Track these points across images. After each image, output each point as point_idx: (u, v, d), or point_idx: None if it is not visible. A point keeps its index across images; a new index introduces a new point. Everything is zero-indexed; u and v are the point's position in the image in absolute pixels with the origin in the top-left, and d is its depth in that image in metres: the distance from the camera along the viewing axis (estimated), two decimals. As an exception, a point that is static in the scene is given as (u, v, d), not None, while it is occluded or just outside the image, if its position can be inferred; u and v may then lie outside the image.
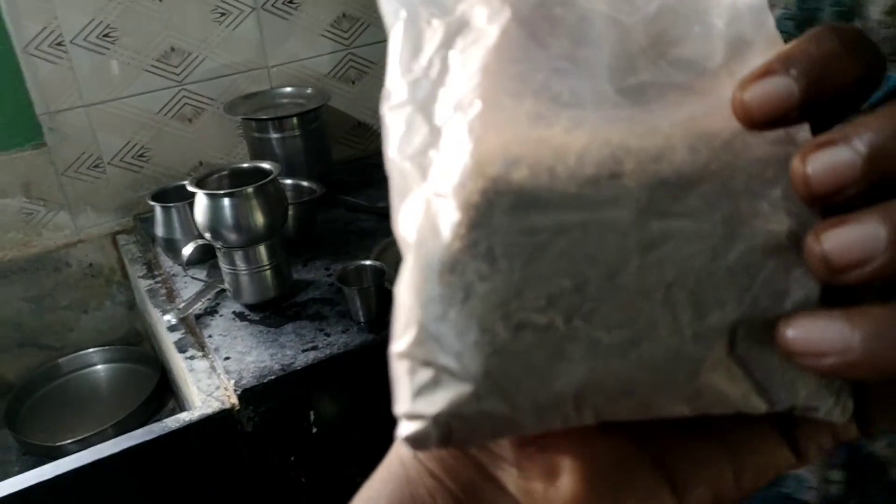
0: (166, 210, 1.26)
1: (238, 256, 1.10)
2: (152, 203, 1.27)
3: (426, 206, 0.20)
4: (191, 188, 1.06)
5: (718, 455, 0.23)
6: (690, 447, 0.23)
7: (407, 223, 0.21)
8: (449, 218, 0.20)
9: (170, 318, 1.14)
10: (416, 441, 0.21)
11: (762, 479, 0.23)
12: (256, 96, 1.50)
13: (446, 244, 0.20)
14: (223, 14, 1.45)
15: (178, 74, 1.45)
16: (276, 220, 1.10)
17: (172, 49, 1.43)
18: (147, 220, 1.40)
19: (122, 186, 1.47)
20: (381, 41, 1.62)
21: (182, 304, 1.14)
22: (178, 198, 1.27)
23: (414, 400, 0.21)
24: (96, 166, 1.43)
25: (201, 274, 1.24)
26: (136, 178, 1.47)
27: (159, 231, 1.28)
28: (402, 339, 0.21)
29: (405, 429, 0.21)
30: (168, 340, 1.13)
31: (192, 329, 1.13)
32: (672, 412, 0.21)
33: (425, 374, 0.20)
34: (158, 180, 1.48)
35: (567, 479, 0.23)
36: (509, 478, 0.24)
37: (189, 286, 1.21)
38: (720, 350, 0.20)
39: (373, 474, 0.27)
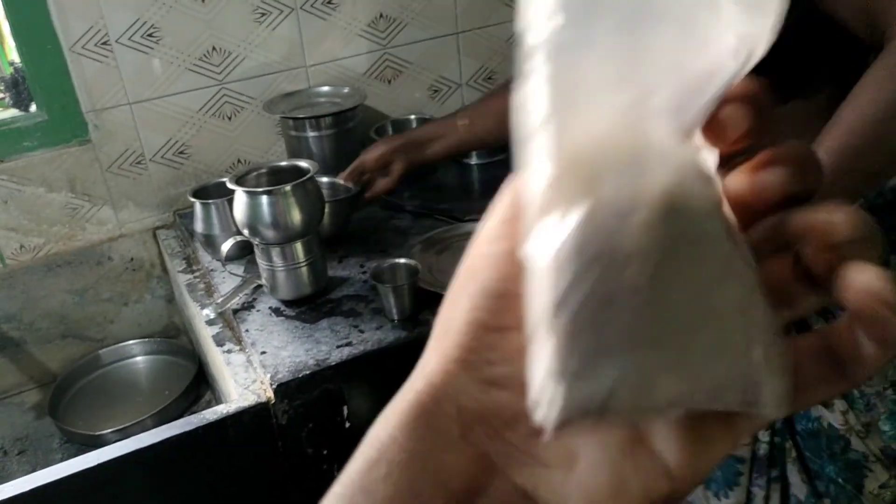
0: (205, 206, 1.28)
1: (275, 253, 1.12)
2: (192, 199, 1.30)
3: None
4: (230, 185, 1.09)
5: (698, 438, 0.25)
6: (678, 431, 0.25)
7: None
8: None
9: (208, 313, 1.17)
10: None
11: (720, 457, 0.25)
12: (294, 95, 1.53)
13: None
14: (263, 14, 1.47)
15: (219, 73, 1.48)
16: (313, 217, 1.11)
17: (214, 48, 1.46)
18: (187, 215, 1.43)
19: (164, 182, 1.50)
20: (418, 41, 1.64)
21: (220, 299, 1.17)
22: (218, 194, 1.29)
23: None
24: (139, 163, 1.47)
25: (239, 269, 1.26)
26: (176, 174, 1.51)
27: (198, 227, 1.30)
28: None
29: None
30: (206, 334, 1.16)
31: (230, 323, 1.15)
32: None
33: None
34: (198, 177, 1.51)
35: (585, 464, 0.24)
36: (521, 469, 0.24)
37: (227, 281, 1.24)
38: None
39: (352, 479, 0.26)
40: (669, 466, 0.24)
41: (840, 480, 0.91)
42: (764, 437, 0.94)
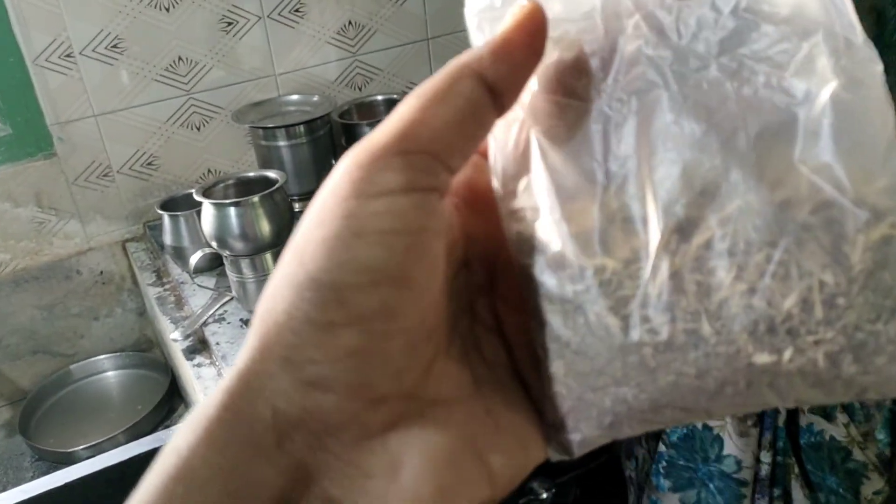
0: (174, 218, 1.27)
1: (245, 264, 1.11)
2: (160, 211, 1.29)
3: None
4: (197, 197, 1.08)
5: (521, 443, 0.25)
6: (499, 438, 0.25)
7: None
8: None
9: (176, 336, 1.15)
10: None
11: (539, 460, 0.26)
12: (264, 104, 1.52)
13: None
14: (230, 23, 1.46)
15: (186, 84, 1.47)
16: (283, 228, 1.11)
17: (180, 58, 1.44)
18: (156, 227, 1.42)
19: (132, 195, 1.48)
20: (388, 48, 1.63)
21: (187, 321, 1.15)
22: (187, 206, 1.28)
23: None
24: (105, 175, 1.45)
25: (209, 282, 1.25)
26: (145, 186, 1.49)
27: (168, 239, 1.29)
28: None
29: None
30: (176, 348, 1.14)
31: (200, 336, 1.14)
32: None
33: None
34: (167, 188, 1.49)
35: (409, 474, 0.22)
36: (340, 479, 0.22)
37: (197, 294, 1.22)
38: None
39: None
40: (493, 472, 0.24)
41: (840, 490, 0.92)
42: (766, 457, 0.94)
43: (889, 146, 0.22)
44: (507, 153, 0.25)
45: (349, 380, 0.22)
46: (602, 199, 0.23)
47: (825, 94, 0.22)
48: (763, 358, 0.22)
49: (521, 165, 0.25)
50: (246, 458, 0.21)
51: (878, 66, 0.22)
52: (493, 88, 0.23)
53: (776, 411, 0.92)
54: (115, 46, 1.38)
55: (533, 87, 0.25)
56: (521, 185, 0.25)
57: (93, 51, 1.37)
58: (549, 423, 0.26)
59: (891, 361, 0.22)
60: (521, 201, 0.25)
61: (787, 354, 0.22)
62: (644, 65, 0.24)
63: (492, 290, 0.27)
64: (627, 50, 0.24)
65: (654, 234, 0.22)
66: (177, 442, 0.22)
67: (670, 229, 0.22)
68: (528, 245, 0.25)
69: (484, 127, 0.24)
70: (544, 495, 1.51)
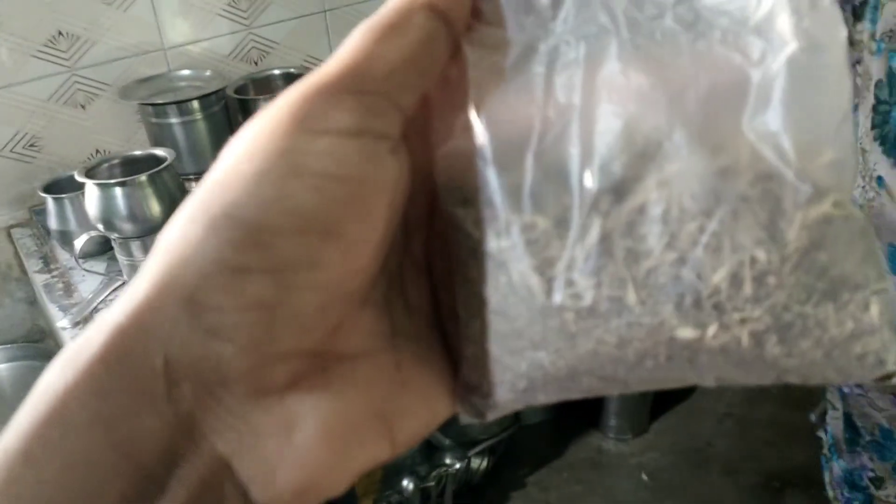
0: (59, 201, 1.21)
1: (135, 247, 1.07)
2: (44, 195, 1.22)
3: None
4: (79, 178, 1.03)
5: (422, 403, 0.24)
6: (405, 397, 0.23)
7: None
8: None
9: (65, 324, 1.10)
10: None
11: (444, 419, 0.25)
12: (153, 80, 1.45)
13: None
14: (112, -5, 1.39)
15: (68, 59, 1.39)
16: (174, 208, 1.07)
17: (60, 33, 1.37)
18: (42, 212, 1.35)
19: (14, 178, 1.40)
20: (283, 20, 1.59)
21: (76, 308, 1.11)
22: (74, 188, 1.22)
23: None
24: (-16, 158, 1.37)
25: (100, 266, 1.20)
26: (28, 168, 1.41)
27: (53, 223, 1.23)
28: None
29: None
30: (66, 336, 1.10)
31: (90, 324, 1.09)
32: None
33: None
34: (53, 171, 1.42)
35: (304, 434, 0.21)
36: (228, 435, 0.20)
37: (87, 280, 1.17)
38: None
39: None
40: (395, 431, 0.23)
41: None
42: None
43: (842, 118, 0.21)
44: (443, 88, 0.24)
45: (252, 332, 0.20)
46: (538, 149, 0.22)
47: (782, 57, 0.21)
48: (686, 332, 0.21)
49: (456, 102, 0.23)
50: (131, 406, 0.19)
51: (842, 31, 0.21)
52: (446, 17, 0.22)
53: None
54: (-14, 21, 1.30)
55: (476, 18, 0.23)
56: (457, 124, 0.23)
57: (-38, 25, 1.28)
58: (463, 383, 0.24)
59: (816, 346, 0.21)
60: (453, 143, 0.23)
61: (712, 330, 0.21)
62: (596, 6, 0.22)
63: (430, 224, 0.25)
64: None
65: (589, 192, 0.21)
66: (51, 379, 0.19)
67: (605, 189, 0.21)
68: (456, 193, 0.23)
69: (439, 61, 0.22)
70: (457, 465, 1.53)
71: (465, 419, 0.25)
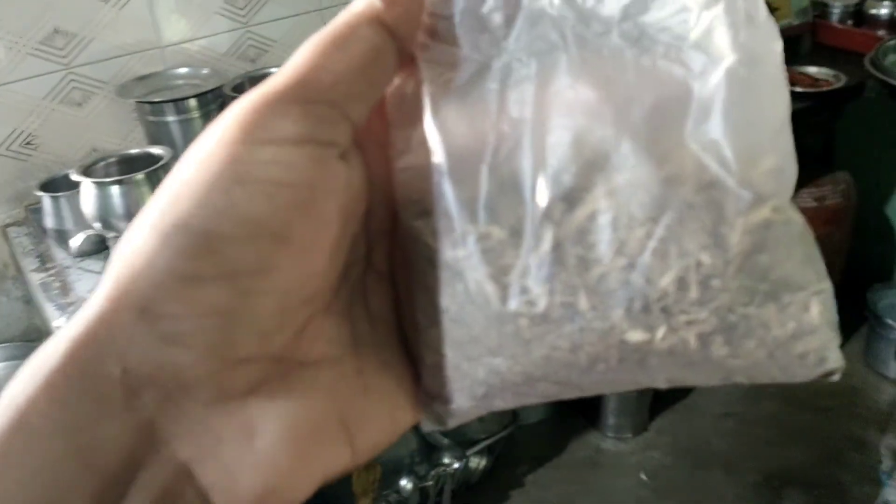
0: (55, 200, 1.21)
1: (132, 246, 1.07)
2: (40, 193, 1.22)
3: None
4: (75, 177, 1.03)
5: (384, 411, 0.24)
6: (367, 404, 0.24)
7: None
8: None
9: (61, 324, 1.09)
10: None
11: (405, 428, 0.25)
12: (150, 78, 1.45)
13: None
14: (109, -7, 1.39)
15: (65, 57, 1.39)
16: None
17: (56, 31, 1.36)
18: (38, 211, 1.34)
19: (11, 176, 1.40)
20: (281, 18, 1.58)
21: (73, 307, 1.10)
22: (70, 187, 1.22)
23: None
24: (-21, 156, 1.36)
25: (97, 265, 1.19)
26: (24, 167, 1.41)
27: (49, 222, 1.23)
28: None
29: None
30: (62, 336, 1.09)
31: (87, 323, 1.09)
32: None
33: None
34: (49, 169, 1.41)
35: (265, 440, 0.21)
36: (189, 440, 0.20)
37: (83, 279, 1.17)
38: None
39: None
40: (356, 439, 0.23)
41: None
42: None
43: (780, 127, 0.22)
44: (399, 105, 0.24)
45: (210, 338, 0.20)
46: (492, 162, 0.22)
47: (720, 69, 0.21)
48: (636, 336, 0.22)
49: (413, 118, 0.24)
50: (91, 414, 0.20)
51: (778, 44, 0.22)
52: (394, 32, 0.23)
53: None
54: (-18, 18, 1.29)
55: (432, 37, 0.24)
56: (413, 139, 0.24)
57: (-43, 23, 1.28)
58: (425, 390, 0.25)
59: (760, 346, 0.22)
60: (410, 157, 0.24)
61: (660, 333, 0.22)
62: (547, 25, 0.23)
63: (392, 235, 0.26)
64: (531, 8, 0.23)
65: (541, 202, 0.22)
66: (13, 392, 0.20)
67: (556, 198, 0.22)
68: (414, 205, 0.24)
69: (387, 73, 0.23)
70: (456, 465, 1.53)
71: (428, 426, 0.25)
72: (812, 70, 1.63)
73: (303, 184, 0.21)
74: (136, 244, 0.20)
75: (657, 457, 1.75)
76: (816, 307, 0.22)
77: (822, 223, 1.72)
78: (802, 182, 1.73)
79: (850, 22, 1.78)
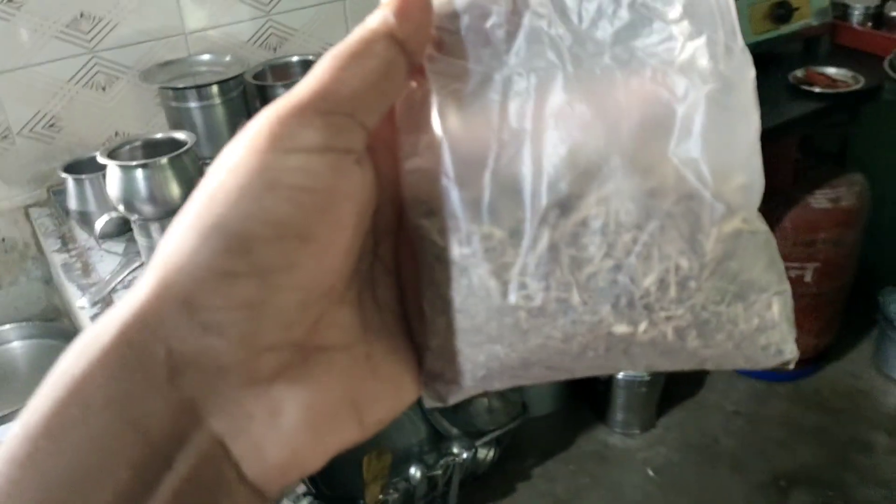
0: (79, 182, 1.22)
1: (154, 229, 1.08)
2: (64, 175, 1.23)
3: None
4: (101, 159, 1.04)
5: (390, 390, 0.27)
6: (375, 385, 0.26)
7: None
8: None
9: (83, 304, 1.11)
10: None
11: (408, 404, 0.28)
12: (173, 64, 1.46)
13: None
14: (135, -22, 1.40)
15: (90, 41, 1.40)
16: (193, 191, 1.07)
17: (82, 14, 1.38)
18: (61, 192, 1.36)
19: (34, 158, 1.42)
20: (303, 7, 1.59)
21: (95, 288, 1.12)
22: (93, 169, 1.23)
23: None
24: (5, 137, 1.38)
25: (118, 247, 1.21)
26: (47, 149, 1.43)
27: (72, 204, 1.24)
28: None
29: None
30: (84, 315, 1.11)
31: (109, 303, 1.10)
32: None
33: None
34: (72, 151, 1.43)
35: (287, 418, 0.24)
36: (224, 417, 0.23)
37: (105, 260, 1.18)
38: None
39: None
40: (365, 416, 0.26)
41: None
42: None
43: (750, 148, 0.24)
44: (408, 111, 0.26)
45: (241, 328, 0.22)
46: (494, 167, 0.24)
47: (701, 94, 0.24)
48: (622, 328, 0.25)
49: (421, 124, 0.26)
50: (139, 389, 0.22)
51: (751, 73, 0.25)
52: (404, 47, 0.25)
53: None
54: (11, 0, 1.31)
55: (439, 49, 0.26)
56: (421, 143, 0.26)
57: (-14, 5, 1.29)
58: (427, 371, 0.27)
59: (728, 338, 0.25)
60: (418, 161, 0.26)
61: (642, 326, 0.25)
62: (545, 44, 0.25)
63: (397, 231, 0.28)
64: (531, 27, 0.25)
65: (539, 207, 0.24)
66: (68, 365, 0.22)
67: (552, 204, 0.24)
68: (421, 205, 0.26)
69: (398, 84, 0.25)
70: (464, 455, 1.54)
71: (430, 403, 0.28)
72: (831, 71, 1.63)
73: (324, 189, 0.23)
74: (177, 242, 0.23)
75: (665, 453, 1.76)
76: (777, 306, 0.25)
77: (836, 224, 1.72)
78: (817, 183, 1.73)
79: (869, 24, 1.77)
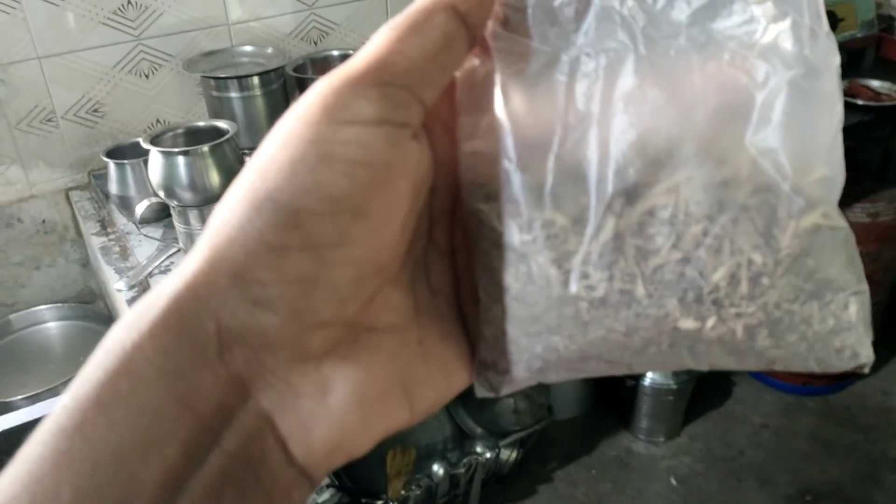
0: (120, 167, 1.24)
1: (193, 216, 1.09)
2: (106, 159, 1.25)
3: None
4: (145, 145, 1.05)
5: (441, 376, 0.26)
6: (426, 370, 0.26)
7: None
8: None
9: (121, 286, 1.13)
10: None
11: (459, 390, 0.27)
12: (216, 54, 1.48)
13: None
14: (182, -32, 1.42)
15: (135, 29, 1.42)
16: (232, 179, 1.08)
17: (129, 2, 1.40)
18: (101, 176, 1.38)
19: (76, 142, 1.44)
20: (345, 2, 1.60)
21: (132, 271, 1.13)
22: (134, 155, 1.25)
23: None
24: (49, 120, 1.40)
25: (156, 233, 1.23)
26: (90, 133, 1.45)
27: (113, 188, 1.26)
28: None
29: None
30: (120, 298, 1.12)
31: (145, 288, 1.12)
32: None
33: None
34: (114, 136, 1.45)
35: (337, 398, 0.23)
36: (271, 394, 0.22)
37: (143, 244, 1.20)
38: None
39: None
40: (415, 401, 0.25)
41: None
42: None
43: (833, 139, 0.23)
44: (469, 91, 0.25)
45: (294, 304, 0.22)
46: (558, 152, 0.23)
47: (784, 80, 0.23)
48: (688, 323, 0.24)
49: (482, 104, 0.25)
50: (189, 363, 0.21)
51: (836, 59, 0.23)
52: (466, 20, 0.24)
53: None
54: (60, -14, 1.33)
55: (504, 26, 0.25)
56: (482, 125, 0.25)
57: (37, -11, 1.32)
58: (481, 360, 0.26)
59: (800, 339, 0.24)
60: (478, 143, 0.25)
61: (710, 323, 0.23)
62: (616, 23, 0.24)
63: (453, 214, 0.27)
64: (602, 5, 0.24)
65: (604, 195, 0.23)
66: (119, 337, 0.21)
67: (619, 192, 0.23)
68: (479, 189, 0.25)
69: (458, 59, 0.24)
70: (488, 454, 1.54)
71: (481, 392, 0.27)
72: (875, 84, 1.60)
73: (380, 163, 0.22)
74: (229, 215, 0.22)
75: (689, 462, 1.74)
76: (854, 307, 0.24)
77: (874, 239, 1.69)
78: (857, 196, 1.71)
79: (916, 37, 1.74)
